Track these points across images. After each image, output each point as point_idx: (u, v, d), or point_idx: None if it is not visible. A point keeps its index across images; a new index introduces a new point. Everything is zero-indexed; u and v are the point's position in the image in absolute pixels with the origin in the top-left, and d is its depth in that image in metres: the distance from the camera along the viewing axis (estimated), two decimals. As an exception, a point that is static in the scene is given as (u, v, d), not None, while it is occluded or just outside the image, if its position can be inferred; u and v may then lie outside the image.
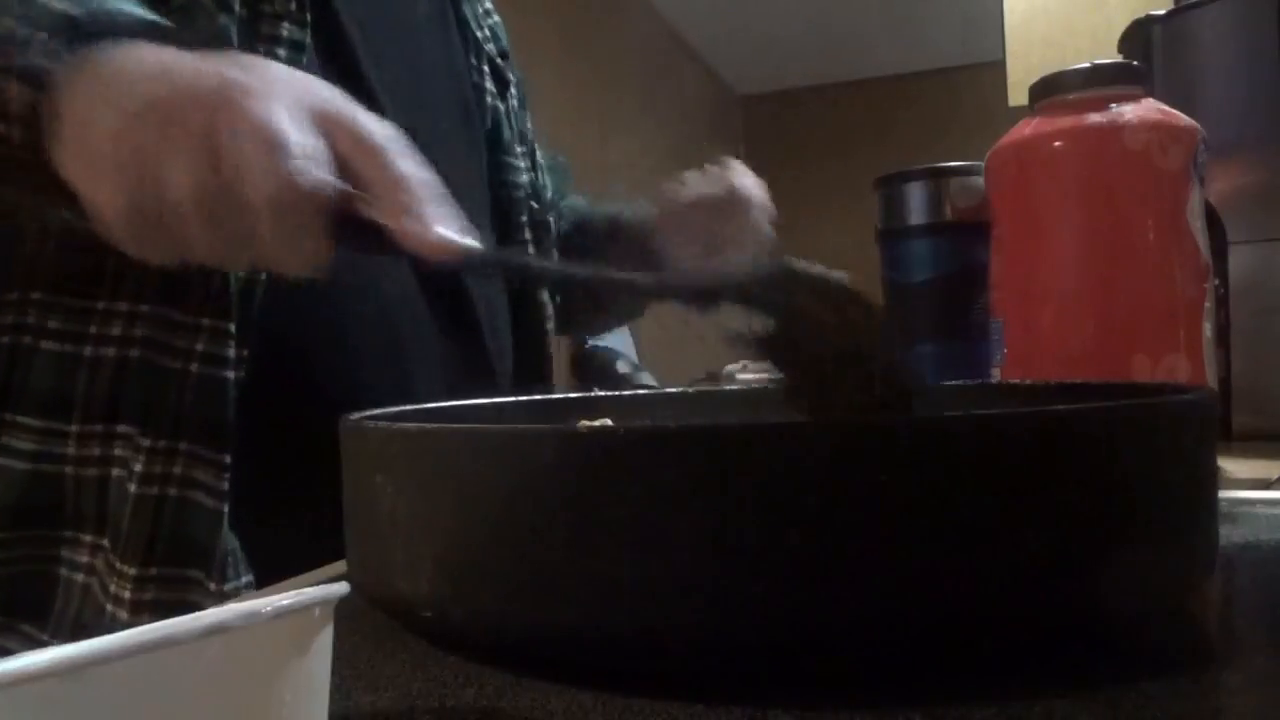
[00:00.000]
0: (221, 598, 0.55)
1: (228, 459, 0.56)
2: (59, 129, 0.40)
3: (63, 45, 0.40)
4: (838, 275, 0.36)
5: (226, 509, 0.56)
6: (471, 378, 0.72)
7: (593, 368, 0.69)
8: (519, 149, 0.84)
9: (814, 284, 0.36)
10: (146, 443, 0.55)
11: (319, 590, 0.19)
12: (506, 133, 0.82)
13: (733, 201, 0.79)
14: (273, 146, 0.37)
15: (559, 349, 0.85)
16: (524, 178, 0.83)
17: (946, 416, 0.26)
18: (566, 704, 0.26)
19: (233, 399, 0.56)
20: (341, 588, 0.20)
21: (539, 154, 0.92)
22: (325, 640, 0.20)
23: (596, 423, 0.46)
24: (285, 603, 0.18)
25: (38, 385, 0.56)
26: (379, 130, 0.41)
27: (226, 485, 0.56)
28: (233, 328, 0.56)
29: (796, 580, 0.25)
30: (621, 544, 0.26)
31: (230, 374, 0.56)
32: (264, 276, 0.57)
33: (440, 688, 0.28)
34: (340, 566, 0.45)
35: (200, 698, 0.17)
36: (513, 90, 0.86)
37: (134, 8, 0.44)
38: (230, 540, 0.56)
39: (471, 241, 0.40)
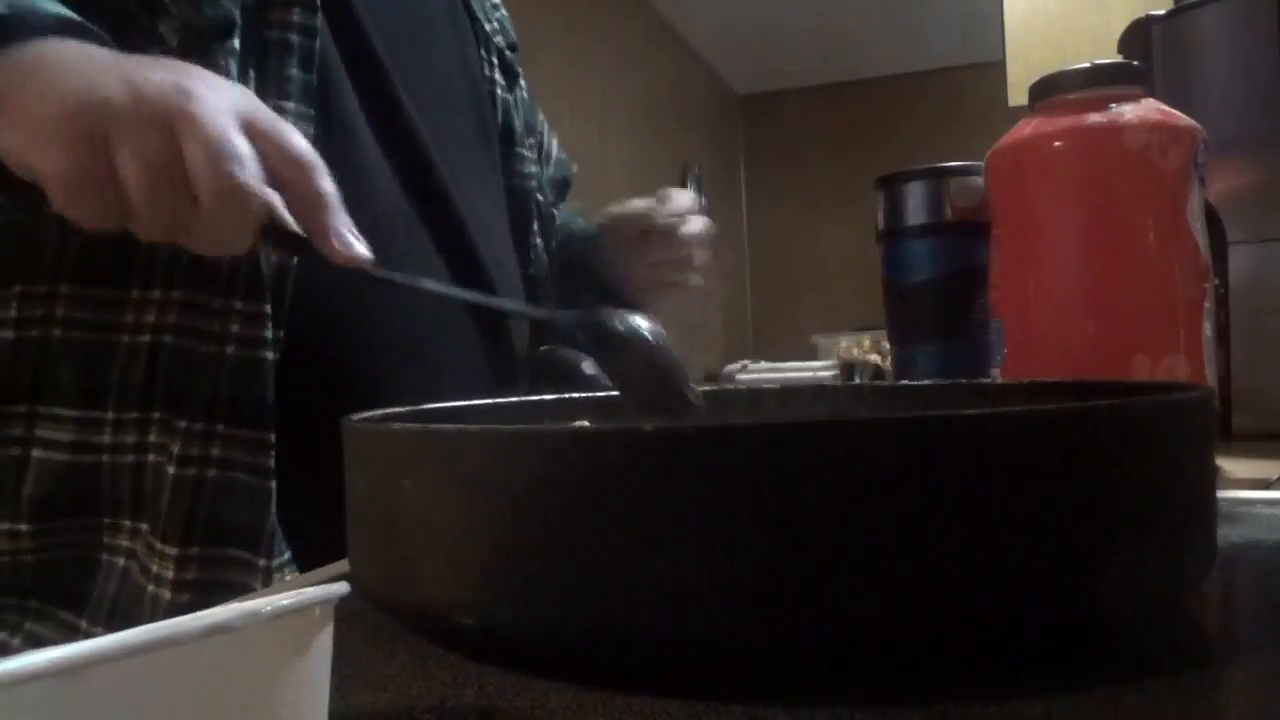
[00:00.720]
0: (268, 574, 0.56)
1: (272, 437, 0.57)
2: None
3: None
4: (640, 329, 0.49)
5: (274, 485, 0.57)
6: (496, 370, 0.72)
7: (551, 370, 0.69)
8: (529, 141, 0.84)
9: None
10: (183, 425, 0.56)
11: (319, 590, 0.19)
12: (517, 125, 0.82)
13: (672, 229, 0.83)
14: (220, 147, 0.43)
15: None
16: (533, 168, 0.83)
17: (939, 415, 0.26)
18: (566, 704, 0.26)
19: (271, 379, 0.57)
20: (341, 587, 0.20)
21: (554, 151, 0.93)
22: (325, 640, 0.20)
23: (576, 424, 0.47)
24: (285, 603, 0.18)
25: (71, 376, 0.57)
26: (303, 146, 0.48)
27: (272, 462, 0.57)
28: (268, 309, 0.57)
29: (796, 579, 0.25)
30: (683, 543, 0.26)
31: (269, 354, 0.57)
32: (295, 261, 0.59)
33: (440, 688, 0.28)
34: (340, 566, 0.45)
35: (200, 698, 0.17)
36: (521, 82, 0.87)
37: (55, 6, 0.48)
38: (272, 520, 0.57)
39: (367, 252, 0.48)
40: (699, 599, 0.26)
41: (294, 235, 0.48)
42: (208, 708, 0.17)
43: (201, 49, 0.56)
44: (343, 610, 0.20)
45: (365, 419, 0.36)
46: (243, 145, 0.44)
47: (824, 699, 0.25)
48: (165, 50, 0.55)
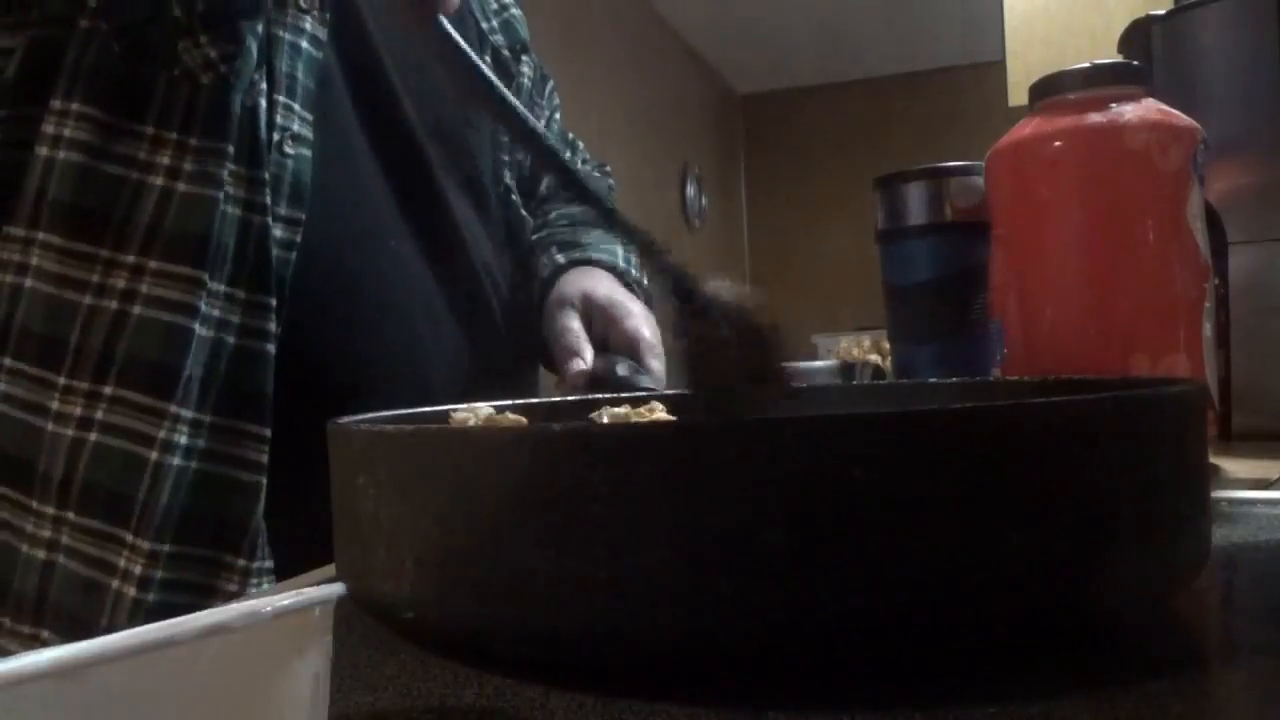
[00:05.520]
0: (245, 576, 0.55)
1: (268, 432, 0.56)
2: None
3: None
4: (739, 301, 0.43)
5: (264, 483, 0.55)
6: (485, 363, 0.72)
7: (593, 372, 0.69)
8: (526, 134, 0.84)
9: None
10: (172, 410, 0.54)
11: (319, 590, 0.19)
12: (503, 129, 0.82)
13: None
14: None
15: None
16: (505, 173, 0.83)
17: (914, 411, 0.26)
18: (566, 704, 0.26)
19: (271, 372, 0.56)
20: (341, 587, 0.20)
21: (580, 152, 0.92)
22: (325, 640, 0.20)
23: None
24: (285, 603, 0.18)
25: (36, 332, 0.55)
26: None
27: (265, 459, 0.55)
28: (273, 301, 0.56)
29: (788, 579, 0.25)
30: (600, 544, 0.26)
31: (270, 347, 0.56)
32: (294, 255, 0.58)
33: (440, 688, 0.28)
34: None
35: (200, 698, 0.17)
36: (525, 82, 0.86)
37: None
38: (258, 518, 0.55)
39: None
40: (619, 600, 0.26)
41: None
42: (208, 708, 0.17)
43: (228, 22, 0.55)
44: (342, 611, 0.20)
45: (348, 421, 0.36)
46: None
47: (823, 699, 0.25)
48: (190, 16, 0.54)
